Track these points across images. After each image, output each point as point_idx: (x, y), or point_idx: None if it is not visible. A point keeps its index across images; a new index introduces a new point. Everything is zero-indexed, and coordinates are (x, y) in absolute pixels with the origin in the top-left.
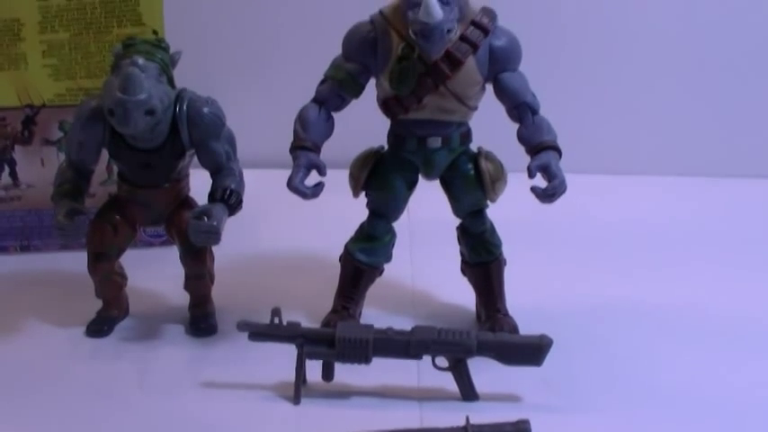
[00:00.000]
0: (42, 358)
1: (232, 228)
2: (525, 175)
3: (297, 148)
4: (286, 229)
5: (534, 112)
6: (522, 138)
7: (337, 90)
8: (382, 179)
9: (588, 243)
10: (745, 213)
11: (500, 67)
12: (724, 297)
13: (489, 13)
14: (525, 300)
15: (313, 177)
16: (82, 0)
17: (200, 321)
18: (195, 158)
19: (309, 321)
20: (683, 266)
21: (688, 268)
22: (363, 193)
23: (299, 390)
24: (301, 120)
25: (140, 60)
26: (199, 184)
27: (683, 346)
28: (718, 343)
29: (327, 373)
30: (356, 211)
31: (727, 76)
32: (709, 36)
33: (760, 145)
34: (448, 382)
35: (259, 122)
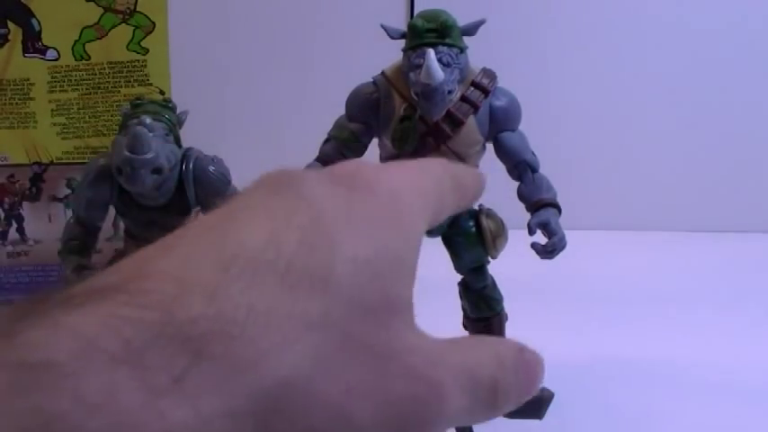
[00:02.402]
0: None
1: None
2: (525, 231)
3: None
4: None
5: (534, 170)
6: (522, 195)
7: (341, 149)
8: None
9: (589, 298)
10: (750, 268)
11: (500, 126)
12: (729, 353)
13: (489, 74)
14: None
15: None
16: (90, 61)
17: None
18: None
19: None
20: (685, 322)
21: (691, 324)
22: None
23: None
24: None
25: (148, 120)
26: None
27: (686, 403)
28: (723, 399)
29: None
30: None
31: (731, 131)
32: (707, 91)
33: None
34: None
35: None
